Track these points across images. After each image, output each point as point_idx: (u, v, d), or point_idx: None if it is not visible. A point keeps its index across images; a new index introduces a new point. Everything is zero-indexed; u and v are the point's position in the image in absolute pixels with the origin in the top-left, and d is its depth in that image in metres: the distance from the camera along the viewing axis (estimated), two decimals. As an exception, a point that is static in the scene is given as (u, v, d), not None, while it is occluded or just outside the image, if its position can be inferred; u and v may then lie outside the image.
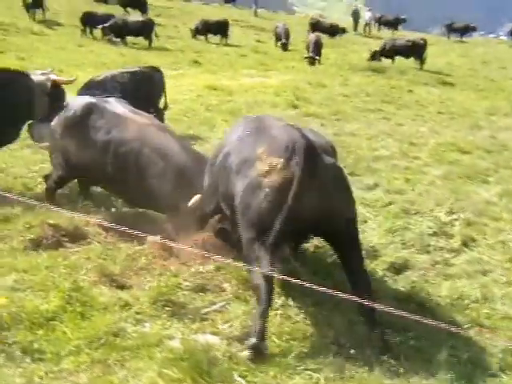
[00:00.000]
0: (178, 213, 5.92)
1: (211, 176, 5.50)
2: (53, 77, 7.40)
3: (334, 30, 36.42)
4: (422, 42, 26.68)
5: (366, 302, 4.09)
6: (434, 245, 6.49)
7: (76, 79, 8.08)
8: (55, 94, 7.22)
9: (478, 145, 11.29)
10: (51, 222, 6.03)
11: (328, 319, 4.77)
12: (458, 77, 25.16)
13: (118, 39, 26.61)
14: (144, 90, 10.10)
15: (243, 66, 22.18)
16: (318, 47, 24.96)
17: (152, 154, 6.21)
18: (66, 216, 5.97)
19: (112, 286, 5.16)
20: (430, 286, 5.58)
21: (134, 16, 30.16)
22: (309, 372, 4.09)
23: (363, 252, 5.94)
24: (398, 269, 5.90)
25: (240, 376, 3.99)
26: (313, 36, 26.28)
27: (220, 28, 31.03)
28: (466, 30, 44.52)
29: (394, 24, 45.04)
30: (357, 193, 7.76)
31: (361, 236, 6.32)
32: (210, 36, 31.28)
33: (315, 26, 35.36)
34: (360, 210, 7.23)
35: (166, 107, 10.91)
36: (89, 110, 6.62)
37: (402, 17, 45.46)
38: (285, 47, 30.18)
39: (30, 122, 7.43)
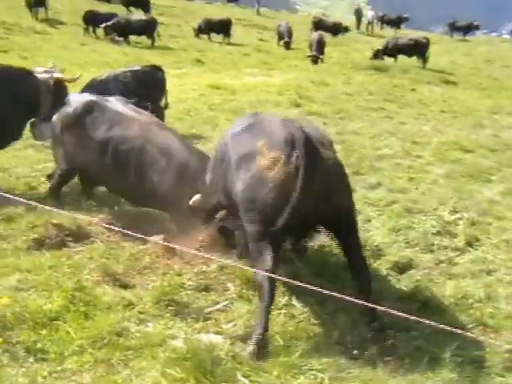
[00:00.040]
0: (180, 211, 5.92)
1: (213, 173, 5.50)
2: (56, 75, 7.40)
3: (336, 29, 36.42)
4: (424, 40, 26.63)
5: (369, 304, 4.09)
6: (438, 244, 6.46)
7: (80, 77, 8.06)
8: (59, 92, 7.22)
9: (481, 144, 11.26)
10: (54, 221, 6.03)
11: (332, 319, 4.76)
12: (460, 75, 25.14)
13: (121, 38, 26.64)
14: (146, 88, 10.10)
15: (246, 65, 22.18)
16: (320, 46, 24.95)
17: (154, 151, 6.21)
18: (69, 216, 5.97)
19: (115, 286, 5.16)
20: (433, 286, 5.56)
21: (137, 15, 30.14)
22: (313, 372, 4.07)
23: (367, 251, 6.03)
24: (402, 268, 5.88)
25: (243, 376, 3.98)
26: (315, 35, 26.28)
27: (223, 27, 31.04)
28: (468, 29, 44.44)
29: (396, 23, 44.99)
30: (360, 192, 7.84)
31: (364, 235, 6.40)
32: (212, 35, 31.30)
33: (318, 24, 35.34)
34: (363, 209, 7.26)
35: (166, 106, 10.91)
36: (89, 106, 6.61)
37: (405, 15, 45.39)
38: (287, 46, 30.19)
39: (31, 120, 7.43)
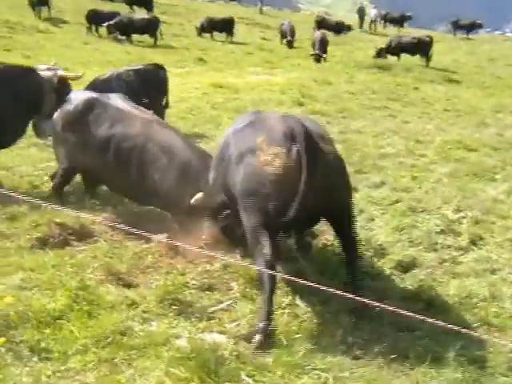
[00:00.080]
0: (182, 209, 5.90)
1: (215, 171, 5.52)
2: (60, 72, 7.39)
3: (339, 28, 36.43)
4: (427, 39, 26.57)
5: (375, 304, 4.07)
6: (442, 243, 6.44)
7: (84, 75, 8.06)
8: (62, 89, 7.21)
9: (485, 142, 11.21)
10: (58, 220, 6.04)
11: (335, 318, 4.75)
12: (464, 74, 25.08)
13: (124, 37, 26.64)
14: (148, 87, 10.10)
15: (249, 64, 22.19)
16: (323, 45, 24.93)
17: (156, 149, 6.19)
18: (72, 214, 5.97)
19: (119, 285, 5.16)
20: (437, 285, 5.54)
21: (140, 14, 30.16)
22: (317, 371, 4.07)
23: (371, 250, 6.03)
24: (406, 267, 5.86)
25: (247, 375, 3.97)
26: (318, 33, 26.24)
27: (225, 26, 31.04)
28: (472, 27, 44.30)
29: (399, 21, 44.91)
30: (363, 191, 7.84)
31: (368, 234, 6.40)
32: (215, 34, 31.30)
33: (321, 23, 35.32)
34: (367, 208, 7.26)
35: (167, 105, 10.90)
36: (90, 104, 6.60)
37: (408, 14, 45.31)
38: (290, 45, 30.18)
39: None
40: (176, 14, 38.43)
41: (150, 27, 26.71)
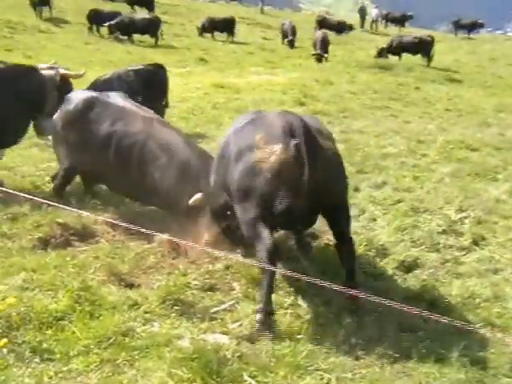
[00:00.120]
0: (181, 209, 5.89)
1: (216, 171, 5.54)
2: (61, 71, 7.39)
3: (341, 27, 36.40)
4: (429, 38, 26.54)
5: (385, 302, 4.07)
6: (444, 243, 6.43)
7: (85, 73, 8.04)
8: (64, 88, 7.21)
9: (487, 142, 11.20)
10: (60, 220, 6.04)
11: (338, 319, 4.73)
12: (465, 74, 25.05)
13: (125, 37, 26.65)
14: (149, 87, 10.10)
15: (250, 64, 22.18)
16: (324, 44, 24.92)
17: (156, 147, 6.18)
18: (74, 215, 5.97)
19: (121, 285, 5.16)
20: (440, 285, 5.53)
21: (141, 14, 30.16)
22: (320, 372, 4.06)
23: (373, 251, 6.02)
24: (408, 267, 5.85)
25: (250, 376, 3.96)
26: (320, 33, 26.23)
27: (226, 26, 31.04)
28: (473, 27, 44.22)
29: (400, 21, 44.87)
30: (365, 191, 7.83)
31: (370, 234, 6.39)
32: (216, 34, 31.30)
33: (322, 23, 35.30)
34: (369, 208, 7.26)
35: (167, 105, 10.89)
36: (90, 103, 6.60)
37: (409, 13, 45.27)
38: (291, 45, 30.17)
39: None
40: (177, 14, 38.43)
41: (151, 27, 26.72)
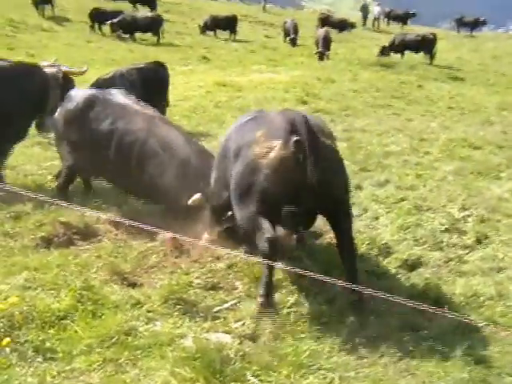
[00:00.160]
0: (183, 207, 5.88)
1: (217, 170, 5.55)
2: (64, 68, 7.38)
3: (343, 25, 36.39)
4: (431, 36, 26.51)
5: (394, 299, 4.07)
6: (447, 241, 6.40)
7: (87, 70, 8.04)
8: (66, 85, 7.20)
9: (490, 140, 11.16)
10: (62, 219, 6.04)
11: (341, 318, 4.72)
12: (468, 72, 25.01)
13: (127, 35, 26.65)
14: (150, 85, 10.10)
15: (252, 62, 22.16)
16: (327, 42, 24.90)
17: (157, 144, 6.18)
18: (76, 213, 5.96)
19: (123, 284, 5.15)
20: (443, 284, 5.50)
21: (143, 12, 30.17)
22: (323, 371, 4.05)
23: (376, 249, 6.00)
24: (411, 266, 5.84)
25: (253, 375, 3.95)
26: (322, 31, 26.18)
27: (229, 24, 31.03)
28: (475, 25, 44.13)
29: (403, 19, 44.82)
30: (368, 189, 7.81)
31: (373, 233, 6.38)
32: (218, 32, 31.29)
33: (324, 21, 35.25)
34: (372, 206, 7.24)
35: (167, 103, 10.88)
36: (91, 101, 6.60)
37: (412, 11, 45.21)
38: (294, 43, 30.14)
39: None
40: (179, 13, 38.41)
41: (154, 25, 26.73)
